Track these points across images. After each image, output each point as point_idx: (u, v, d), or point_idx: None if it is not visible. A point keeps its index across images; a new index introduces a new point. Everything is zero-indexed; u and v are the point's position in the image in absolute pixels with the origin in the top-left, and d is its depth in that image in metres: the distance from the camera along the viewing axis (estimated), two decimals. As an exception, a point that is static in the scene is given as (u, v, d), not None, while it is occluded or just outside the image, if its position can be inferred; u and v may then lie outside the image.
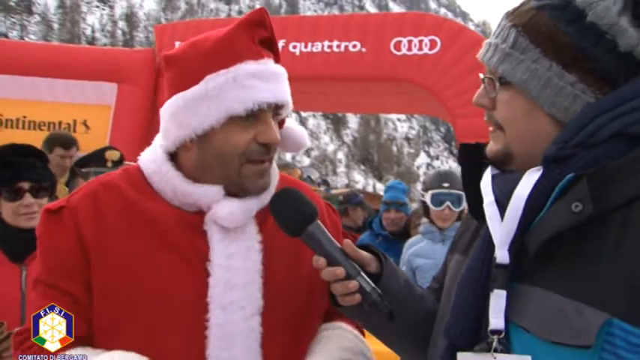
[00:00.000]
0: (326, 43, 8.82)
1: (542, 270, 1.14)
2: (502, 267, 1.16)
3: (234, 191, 1.47)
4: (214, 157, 1.44)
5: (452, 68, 8.18)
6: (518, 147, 1.25)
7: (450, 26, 8.66)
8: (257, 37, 1.46)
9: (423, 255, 4.19)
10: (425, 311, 1.48)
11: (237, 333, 1.39)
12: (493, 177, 1.27)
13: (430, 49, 8.31)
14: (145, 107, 8.96)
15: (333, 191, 20.65)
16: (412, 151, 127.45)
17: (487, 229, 1.22)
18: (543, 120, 1.22)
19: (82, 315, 1.39)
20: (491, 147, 1.31)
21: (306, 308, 1.53)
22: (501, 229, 1.17)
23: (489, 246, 1.20)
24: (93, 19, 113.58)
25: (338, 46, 8.78)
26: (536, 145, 1.21)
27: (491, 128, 1.31)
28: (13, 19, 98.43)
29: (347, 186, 76.15)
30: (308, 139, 1.67)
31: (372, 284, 1.34)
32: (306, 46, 8.82)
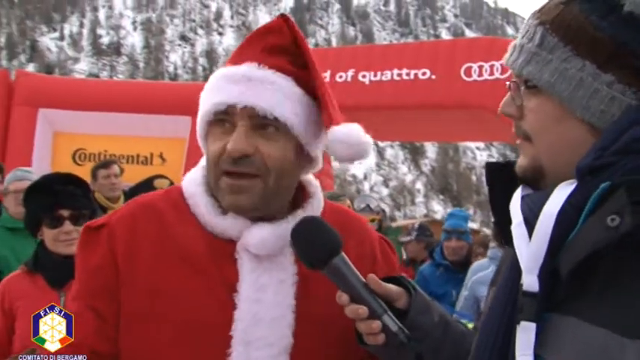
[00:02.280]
0: (395, 71, 8.76)
1: (578, 297, 0.98)
2: (530, 295, 0.99)
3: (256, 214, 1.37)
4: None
5: (525, 92, 7.94)
6: (549, 160, 1.09)
7: (523, 50, 8.44)
8: (263, 44, 1.37)
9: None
10: (466, 353, 1.30)
11: None
12: (523, 197, 1.10)
13: (502, 74, 8.10)
14: (217, 139, 9.17)
15: (397, 223, 18.88)
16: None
17: (514, 253, 1.05)
18: (577, 127, 1.06)
19: (108, 334, 1.34)
20: (520, 162, 1.15)
21: (343, 349, 1.38)
22: (528, 251, 1.00)
23: (516, 272, 1.03)
24: (175, 57, 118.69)
25: (407, 74, 8.71)
26: (571, 156, 1.05)
27: (518, 141, 1.16)
28: (104, 61, 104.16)
29: (425, 216, 75.18)
30: (368, 146, 1.38)
31: (399, 324, 1.23)
32: (375, 75, 8.79)
